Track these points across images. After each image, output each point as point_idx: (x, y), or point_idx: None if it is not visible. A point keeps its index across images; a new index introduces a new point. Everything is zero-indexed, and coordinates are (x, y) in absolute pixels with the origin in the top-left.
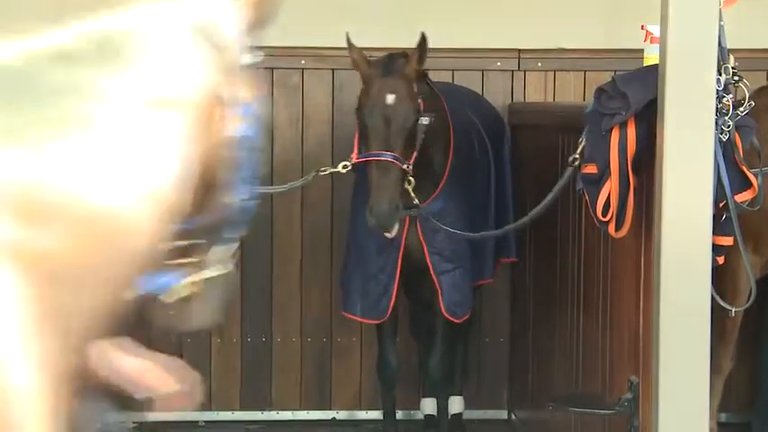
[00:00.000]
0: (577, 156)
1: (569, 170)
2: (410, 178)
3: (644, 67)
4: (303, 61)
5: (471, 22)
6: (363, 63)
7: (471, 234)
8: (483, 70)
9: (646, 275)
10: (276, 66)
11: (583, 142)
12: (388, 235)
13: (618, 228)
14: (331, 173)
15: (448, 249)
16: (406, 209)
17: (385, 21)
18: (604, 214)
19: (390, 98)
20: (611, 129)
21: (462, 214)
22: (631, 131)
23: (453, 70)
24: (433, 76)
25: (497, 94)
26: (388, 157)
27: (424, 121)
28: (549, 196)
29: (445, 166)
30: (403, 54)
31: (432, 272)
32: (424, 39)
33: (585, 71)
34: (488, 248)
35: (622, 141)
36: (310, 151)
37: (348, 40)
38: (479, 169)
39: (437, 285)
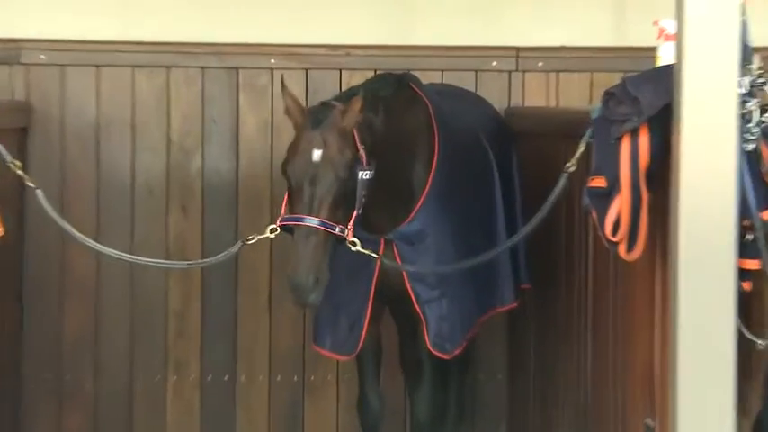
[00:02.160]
0: (574, 162)
1: (563, 179)
2: (354, 240)
3: (657, 68)
4: (273, 60)
5: (464, 17)
6: (296, 111)
7: (448, 266)
8: (477, 70)
9: (662, 304)
10: (242, 65)
11: (581, 148)
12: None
13: (629, 249)
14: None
15: (432, 274)
16: (374, 234)
17: (370, 15)
18: (614, 234)
19: (317, 155)
20: (621, 137)
21: (447, 235)
22: (644, 140)
23: (443, 70)
24: (421, 77)
25: (493, 98)
26: (311, 222)
27: (366, 175)
28: (542, 210)
29: (425, 184)
30: (346, 99)
31: (414, 302)
32: (354, 93)
33: (592, 72)
34: (501, 269)
35: (633, 151)
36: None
37: (282, 82)
38: (479, 183)
39: (421, 316)
